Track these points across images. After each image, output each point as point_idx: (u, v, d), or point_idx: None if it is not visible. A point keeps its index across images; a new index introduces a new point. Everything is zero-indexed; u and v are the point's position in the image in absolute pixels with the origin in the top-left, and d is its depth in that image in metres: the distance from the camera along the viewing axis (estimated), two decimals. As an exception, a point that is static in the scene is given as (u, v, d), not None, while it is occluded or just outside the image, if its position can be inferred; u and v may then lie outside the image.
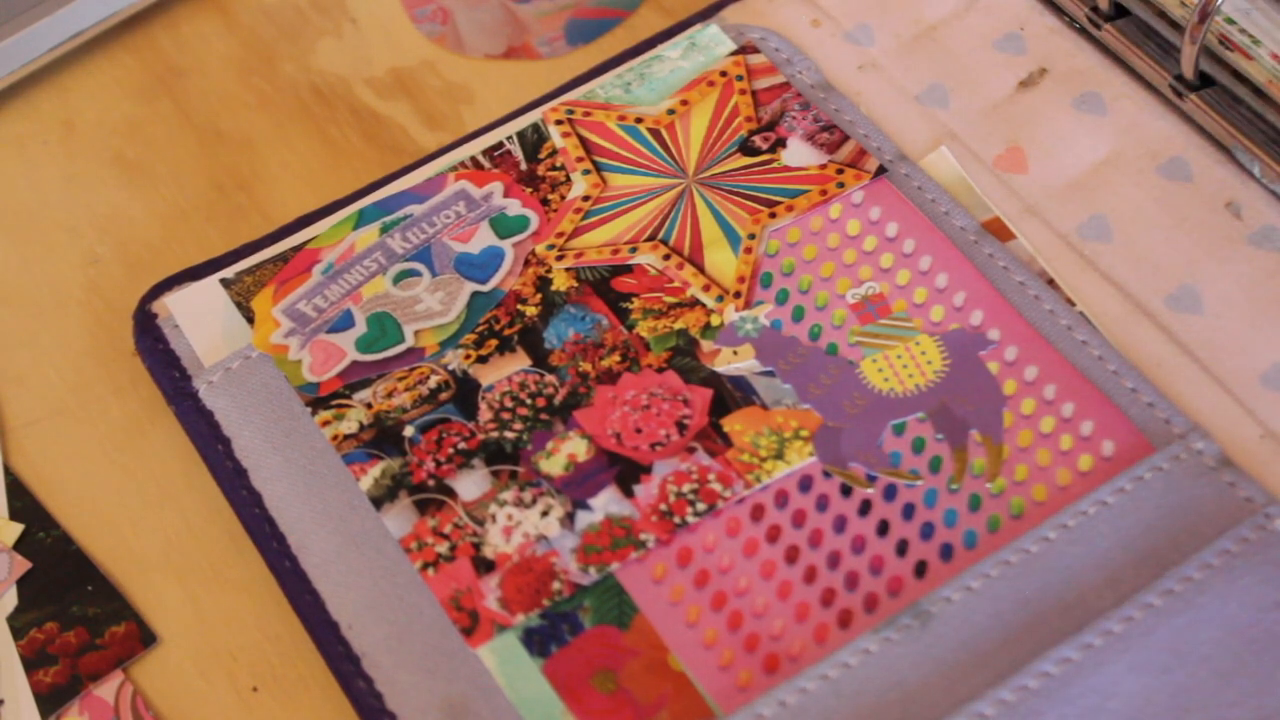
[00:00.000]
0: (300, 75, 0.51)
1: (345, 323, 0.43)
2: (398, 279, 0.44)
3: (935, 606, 0.37)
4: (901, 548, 0.38)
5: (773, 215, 0.44)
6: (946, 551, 0.38)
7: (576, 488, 0.40)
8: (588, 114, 0.47)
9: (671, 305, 0.43)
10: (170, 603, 0.41)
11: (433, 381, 0.42)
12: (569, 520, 0.39)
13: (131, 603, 0.41)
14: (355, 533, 0.40)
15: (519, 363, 0.42)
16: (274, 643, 0.40)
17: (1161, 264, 0.42)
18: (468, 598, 0.39)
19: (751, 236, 0.44)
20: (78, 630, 0.40)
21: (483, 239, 0.44)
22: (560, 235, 0.44)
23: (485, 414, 0.41)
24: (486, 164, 0.46)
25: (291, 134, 0.50)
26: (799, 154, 0.45)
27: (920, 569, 0.38)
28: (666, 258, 0.43)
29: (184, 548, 0.42)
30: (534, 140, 0.46)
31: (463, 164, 0.46)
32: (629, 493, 0.40)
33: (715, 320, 0.42)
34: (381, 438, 0.41)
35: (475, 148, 0.46)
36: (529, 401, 0.41)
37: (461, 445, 0.41)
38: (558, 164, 0.46)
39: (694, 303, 0.43)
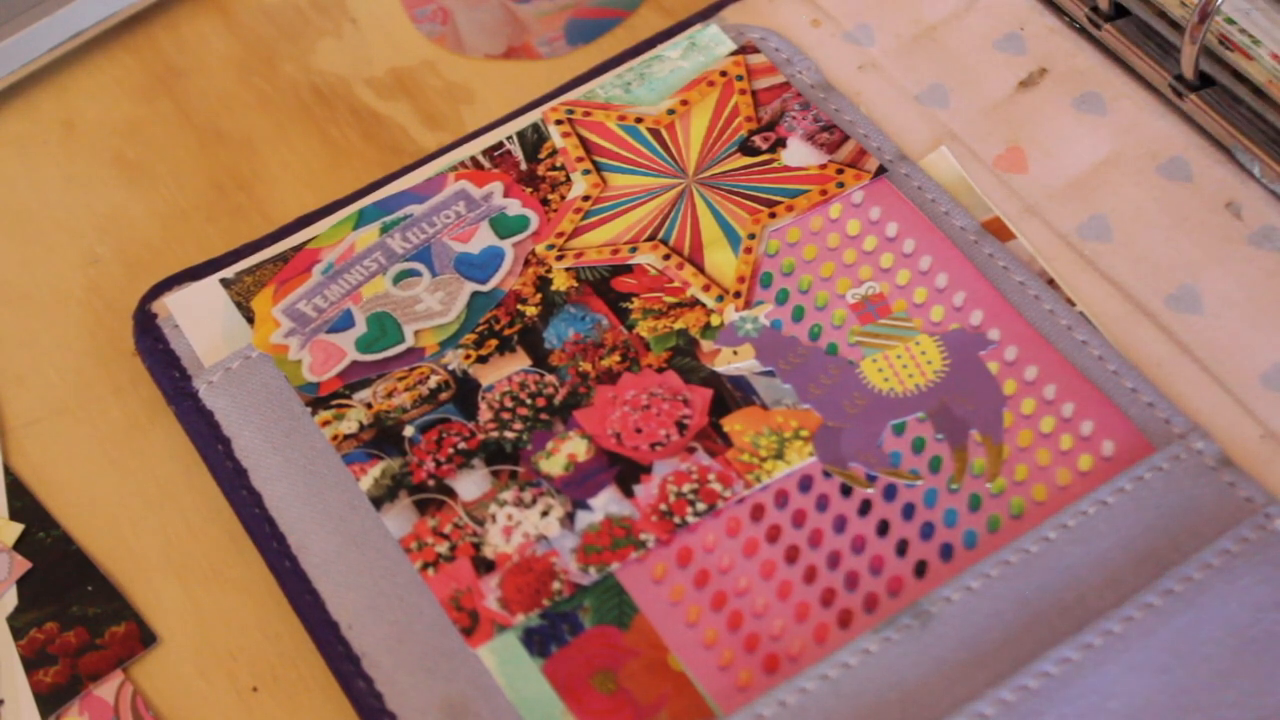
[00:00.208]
0: (300, 75, 0.51)
1: (345, 323, 0.43)
2: (398, 279, 0.44)
3: (935, 606, 0.37)
4: (901, 548, 0.38)
5: (773, 215, 0.44)
6: (946, 551, 0.38)
7: (576, 488, 0.40)
8: (588, 114, 0.47)
9: (671, 305, 0.43)
10: (170, 603, 0.41)
11: (433, 381, 0.42)
12: (569, 520, 0.39)
13: (131, 603, 0.41)
14: (355, 533, 0.40)
15: (519, 363, 0.42)
16: (274, 643, 0.40)
17: (1161, 264, 0.42)
18: (468, 598, 0.39)
19: (751, 236, 0.44)
20: (78, 630, 0.40)
21: (483, 239, 0.44)
22: (560, 235, 0.44)
23: (485, 414, 0.41)
24: (486, 164, 0.46)
25: (291, 134, 0.50)
26: (799, 154, 0.45)
27: (920, 569, 0.38)
28: (666, 258, 0.43)
29: (184, 548, 0.42)
30: (534, 140, 0.46)
31: (463, 164, 0.46)
32: (629, 493, 0.40)
33: (715, 320, 0.42)
34: (381, 438, 0.41)
35: (475, 148, 0.46)
36: (529, 401, 0.41)
37: (461, 445, 0.41)
38: (558, 164, 0.46)
39: (694, 303, 0.43)
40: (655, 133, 0.46)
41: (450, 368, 0.42)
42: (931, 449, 0.40)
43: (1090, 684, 0.35)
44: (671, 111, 0.46)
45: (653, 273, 0.43)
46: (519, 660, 0.38)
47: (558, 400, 0.41)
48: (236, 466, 0.41)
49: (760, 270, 0.43)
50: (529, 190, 0.45)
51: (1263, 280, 0.42)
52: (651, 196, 0.45)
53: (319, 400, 0.42)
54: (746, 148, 0.45)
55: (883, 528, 0.39)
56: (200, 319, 0.44)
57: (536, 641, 0.38)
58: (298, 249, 0.45)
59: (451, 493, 0.40)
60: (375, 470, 0.41)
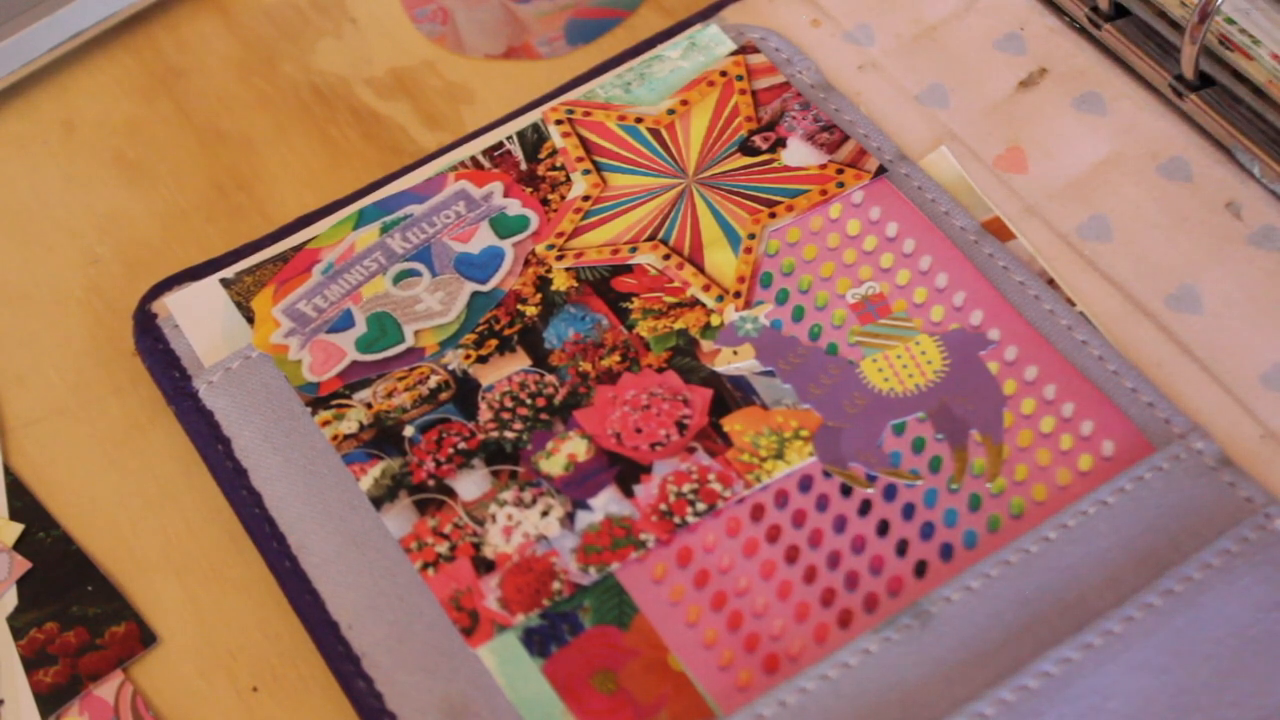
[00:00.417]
0: (300, 75, 0.51)
1: (345, 323, 0.43)
2: (398, 279, 0.44)
3: (935, 606, 0.37)
4: (901, 548, 0.38)
5: (773, 215, 0.44)
6: (946, 551, 0.38)
7: (576, 488, 0.40)
8: (588, 114, 0.47)
9: (671, 305, 0.43)
10: (170, 603, 0.41)
11: (433, 381, 0.42)
12: (569, 520, 0.39)
13: (131, 603, 0.41)
14: (355, 533, 0.40)
15: (519, 363, 0.42)
16: (274, 643, 0.40)
17: (1161, 264, 0.42)
18: (468, 598, 0.39)
19: (751, 236, 0.44)
20: (78, 630, 0.40)
21: (483, 239, 0.44)
22: (560, 235, 0.44)
23: (485, 414, 0.41)
24: (486, 164, 0.46)
25: (291, 134, 0.50)
26: (799, 154, 0.45)
27: (920, 569, 0.38)
28: (666, 258, 0.43)
29: (184, 548, 0.42)
30: (534, 140, 0.46)
31: (463, 164, 0.46)
32: (629, 493, 0.40)
33: (715, 320, 0.42)
34: (381, 438, 0.41)
35: (475, 148, 0.46)
36: (529, 401, 0.41)
37: (461, 445, 0.41)
38: (558, 164, 0.46)
39: (694, 303, 0.43)
40: (655, 133, 0.46)
41: (450, 368, 0.42)
42: (931, 449, 0.40)
43: (1090, 684, 0.35)
44: (671, 111, 0.46)
45: (653, 273, 0.43)
46: (519, 660, 0.38)
47: (558, 400, 0.41)
48: (236, 466, 0.41)
49: (760, 270, 0.43)
50: (529, 190, 0.45)
51: (1263, 280, 0.42)
52: (651, 196, 0.45)
53: (319, 400, 0.42)
54: (746, 148, 0.45)
55: (883, 528, 0.39)
56: (200, 319, 0.44)
57: (536, 641, 0.38)
58: (298, 249, 0.45)
59: (451, 493, 0.40)
60: (375, 470, 0.41)
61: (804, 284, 0.43)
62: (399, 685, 0.38)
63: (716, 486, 0.39)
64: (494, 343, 0.43)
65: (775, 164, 0.45)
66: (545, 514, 0.40)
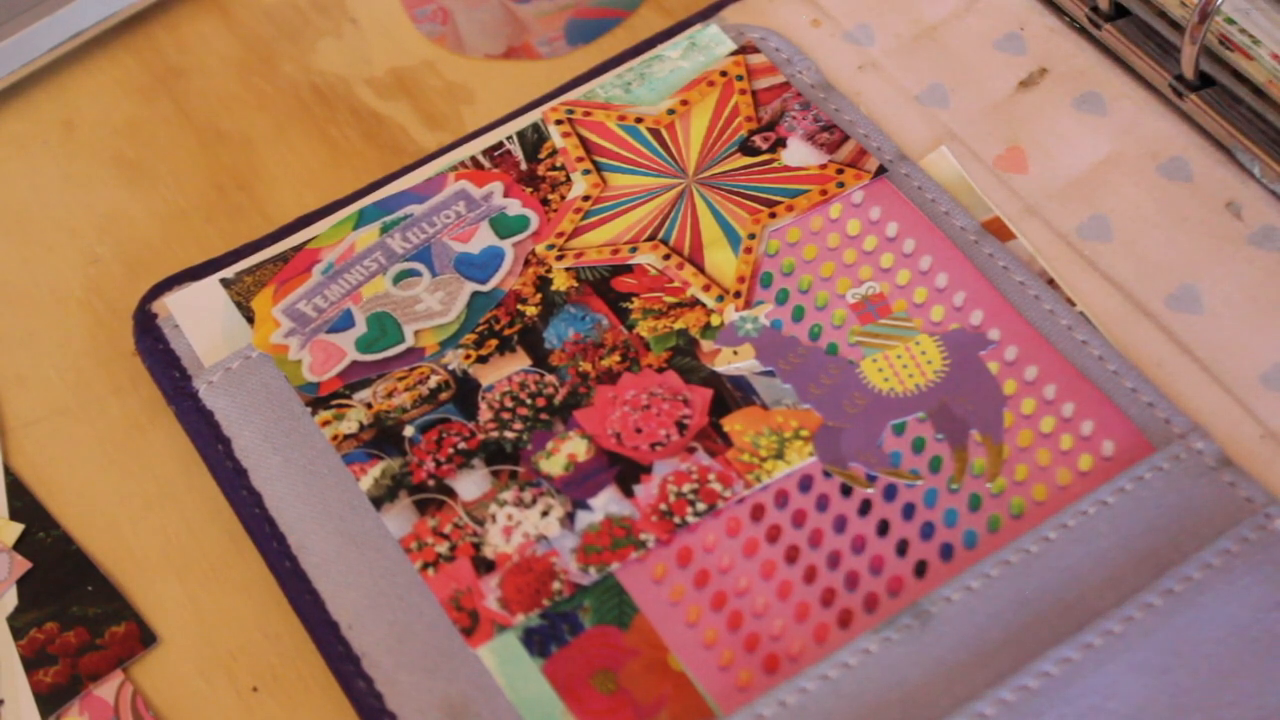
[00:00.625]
0: (300, 75, 0.51)
1: (345, 323, 0.43)
2: (398, 279, 0.44)
3: (935, 606, 0.37)
4: (901, 548, 0.38)
5: (773, 215, 0.44)
6: (946, 551, 0.38)
7: (576, 488, 0.40)
8: (588, 114, 0.47)
9: (671, 305, 0.43)
10: (170, 603, 0.41)
11: (433, 381, 0.42)
12: (569, 520, 0.39)
13: (131, 603, 0.41)
14: (355, 533, 0.40)
15: (519, 363, 0.42)
16: (274, 643, 0.40)
17: (1161, 264, 0.42)
18: (468, 598, 0.39)
19: (751, 236, 0.44)
20: (78, 630, 0.40)
21: (483, 239, 0.44)
22: (560, 235, 0.44)
23: (485, 414, 0.41)
24: (486, 164, 0.46)
25: (291, 134, 0.50)
26: (799, 154, 0.45)
27: (920, 569, 0.38)
28: (666, 258, 0.43)
29: (184, 548, 0.42)
30: (534, 140, 0.46)
31: (463, 164, 0.46)
32: (629, 493, 0.40)
33: (715, 320, 0.42)
34: (381, 438, 0.41)
35: (475, 148, 0.46)
36: (529, 401, 0.41)
37: (461, 445, 0.41)
38: (558, 164, 0.46)
39: (694, 303, 0.43)
40: (655, 133, 0.46)
41: (450, 368, 0.42)
42: (931, 449, 0.40)
43: (1090, 684, 0.35)
44: (671, 111, 0.46)
45: (653, 273, 0.43)
46: (519, 660, 0.38)
47: (558, 400, 0.41)
48: (236, 466, 0.41)
49: (760, 270, 0.43)
50: (529, 190, 0.45)
51: (1263, 280, 0.42)
52: (651, 196, 0.45)
53: (319, 400, 0.42)
54: (746, 148, 0.45)
55: (883, 528, 0.39)
56: (200, 319, 0.44)
57: (536, 641, 0.38)
58: (298, 249, 0.45)
59: (451, 493, 0.40)
60: (375, 470, 0.41)
61: (804, 284, 0.43)
62: (399, 685, 0.38)
63: (716, 486, 0.39)
64: (494, 343, 0.43)
65: (775, 164, 0.45)
66: (545, 514, 0.40)
